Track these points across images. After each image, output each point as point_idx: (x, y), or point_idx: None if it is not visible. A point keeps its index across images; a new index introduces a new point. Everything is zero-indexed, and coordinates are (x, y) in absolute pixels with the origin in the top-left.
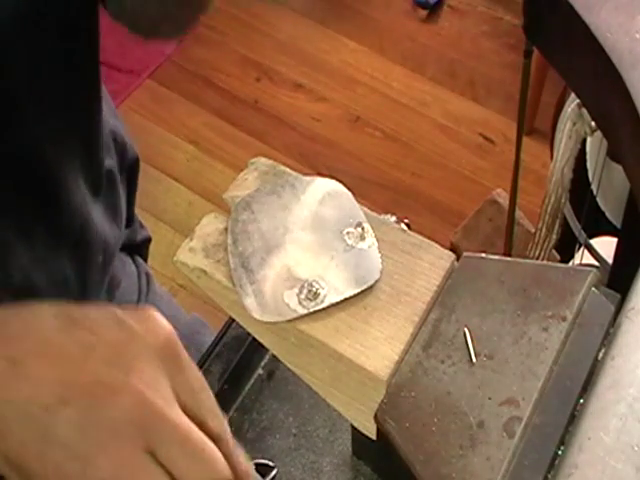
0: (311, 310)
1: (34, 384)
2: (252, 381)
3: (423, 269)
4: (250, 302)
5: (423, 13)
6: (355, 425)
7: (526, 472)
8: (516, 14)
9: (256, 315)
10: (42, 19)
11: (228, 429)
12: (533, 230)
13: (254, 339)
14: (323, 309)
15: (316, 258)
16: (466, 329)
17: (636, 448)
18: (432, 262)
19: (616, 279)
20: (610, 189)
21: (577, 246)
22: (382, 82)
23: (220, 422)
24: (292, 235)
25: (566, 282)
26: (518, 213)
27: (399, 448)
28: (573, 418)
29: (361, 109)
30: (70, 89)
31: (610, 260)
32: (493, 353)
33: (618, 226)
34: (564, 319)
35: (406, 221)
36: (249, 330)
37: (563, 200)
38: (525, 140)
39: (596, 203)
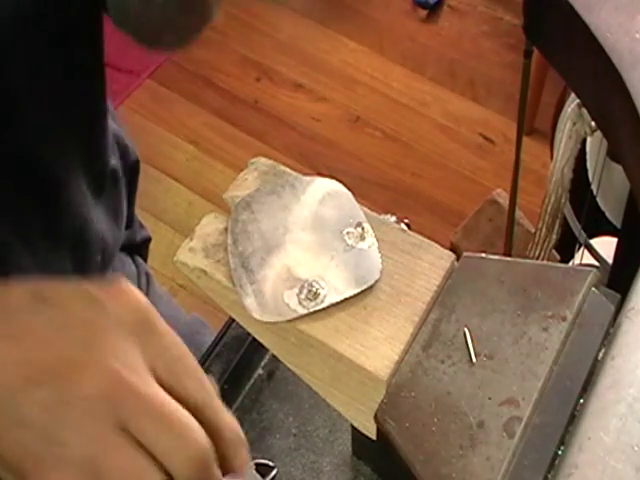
0: (311, 310)
1: None
2: (252, 381)
3: (423, 269)
4: (250, 302)
5: (423, 13)
6: (355, 425)
7: (526, 472)
8: (516, 14)
9: (256, 315)
10: (42, 20)
11: (215, 395)
12: (533, 230)
13: (254, 339)
14: (323, 309)
15: (316, 258)
16: (466, 329)
17: (636, 448)
18: (432, 262)
19: (616, 279)
20: (610, 189)
21: (577, 246)
22: (382, 82)
23: (203, 389)
24: (292, 235)
25: (566, 282)
26: (518, 213)
27: (399, 448)
28: (573, 418)
29: (361, 109)
30: (71, 90)
31: (610, 260)
32: (493, 353)
33: (618, 226)
34: (564, 319)
35: (406, 221)
36: (249, 330)
37: (563, 200)
38: (525, 140)
39: (596, 203)
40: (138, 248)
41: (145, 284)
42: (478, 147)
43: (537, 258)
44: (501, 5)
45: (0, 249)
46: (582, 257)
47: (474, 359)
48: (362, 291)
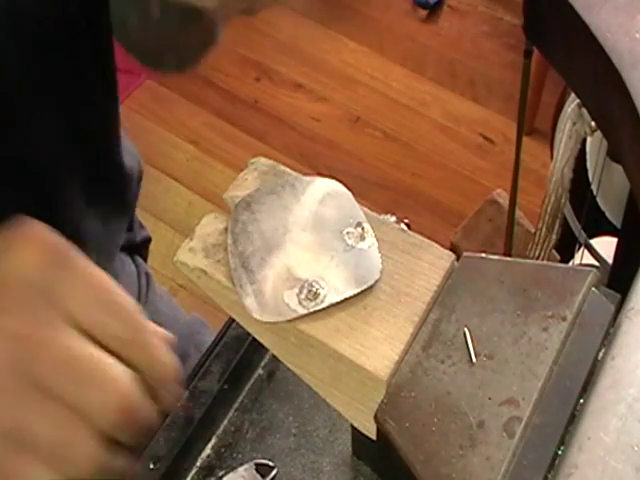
0: (311, 310)
1: None
2: (252, 381)
3: (423, 269)
4: (250, 302)
5: (423, 13)
6: (355, 425)
7: (526, 472)
8: (516, 14)
9: (256, 315)
10: (42, 20)
11: (143, 327)
12: (533, 230)
13: (254, 339)
14: (323, 309)
15: (316, 258)
16: (466, 329)
17: (636, 448)
18: (432, 262)
19: (616, 279)
20: (610, 189)
21: (577, 246)
22: (382, 82)
23: (127, 325)
24: (292, 235)
25: (566, 282)
26: (518, 213)
27: (399, 448)
28: (573, 418)
29: (361, 109)
30: (73, 92)
31: (610, 260)
32: (493, 353)
33: (618, 226)
34: (564, 319)
35: (406, 221)
36: (249, 330)
37: (563, 200)
38: (525, 140)
39: (596, 203)
40: (138, 248)
41: (145, 284)
42: (478, 147)
43: (537, 258)
44: (501, 5)
45: None
46: (582, 257)
47: (474, 359)
48: (362, 291)
